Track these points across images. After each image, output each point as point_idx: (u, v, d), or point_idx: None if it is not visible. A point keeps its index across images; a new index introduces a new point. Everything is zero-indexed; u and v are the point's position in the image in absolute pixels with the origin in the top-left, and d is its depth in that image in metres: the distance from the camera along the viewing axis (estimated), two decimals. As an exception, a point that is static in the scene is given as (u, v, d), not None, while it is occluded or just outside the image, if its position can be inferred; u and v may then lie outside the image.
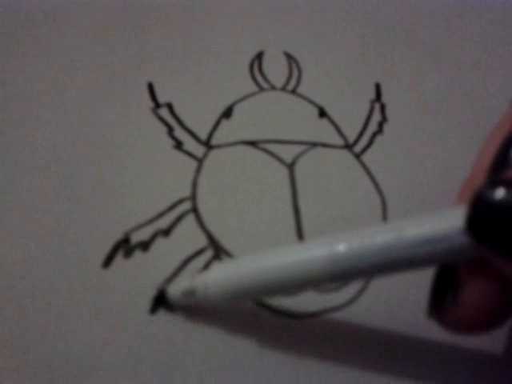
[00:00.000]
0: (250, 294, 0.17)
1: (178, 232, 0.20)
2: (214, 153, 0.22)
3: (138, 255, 0.19)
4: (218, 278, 0.17)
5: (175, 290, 0.18)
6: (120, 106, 0.23)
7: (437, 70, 0.27)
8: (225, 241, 0.20)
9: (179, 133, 0.22)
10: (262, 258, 0.17)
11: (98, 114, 0.22)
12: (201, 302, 0.17)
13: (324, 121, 0.24)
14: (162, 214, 0.20)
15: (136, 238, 0.19)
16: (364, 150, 0.23)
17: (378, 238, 0.14)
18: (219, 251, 0.20)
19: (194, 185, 0.21)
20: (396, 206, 0.22)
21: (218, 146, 0.22)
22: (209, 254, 0.20)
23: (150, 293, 0.18)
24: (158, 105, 0.23)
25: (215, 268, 0.17)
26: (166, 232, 0.20)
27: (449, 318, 0.15)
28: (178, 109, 0.23)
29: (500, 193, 0.12)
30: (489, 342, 0.20)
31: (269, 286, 0.16)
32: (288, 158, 0.22)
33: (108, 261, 0.19)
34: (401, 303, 0.20)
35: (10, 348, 0.17)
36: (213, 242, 0.20)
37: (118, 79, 0.23)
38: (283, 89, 0.25)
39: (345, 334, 0.19)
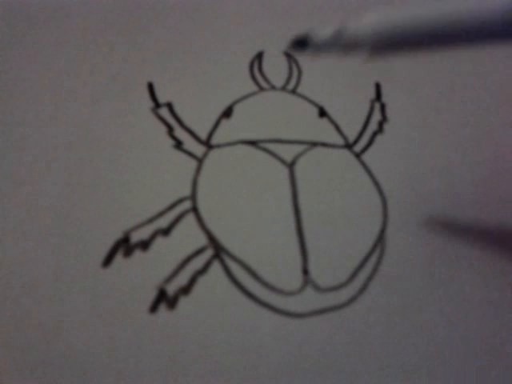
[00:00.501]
0: (412, 34, 0.16)
1: (177, 231, 0.20)
2: (213, 152, 0.22)
3: (137, 255, 0.19)
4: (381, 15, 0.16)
5: (324, 32, 0.17)
6: (120, 106, 0.23)
7: (437, 70, 0.27)
8: (225, 240, 0.20)
9: (179, 133, 0.22)
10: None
11: (98, 114, 0.22)
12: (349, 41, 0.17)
13: (324, 120, 0.24)
14: (161, 214, 0.20)
15: (136, 237, 0.19)
16: (364, 150, 0.23)
17: None
18: (219, 251, 0.20)
19: (194, 184, 0.21)
20: (396, 206, 0.22)
21: (218, 146, 0.22)
22: (209, 253, 0.20)
23: (150, 292, 0.18)
24: (157, 105, 0.23)
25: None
26: (166, 231, 0.20)
27: None
28: (178, 109, 0.23)
29: None
30: (489, 339, 0.20)
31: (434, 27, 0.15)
32: (288, 158, 0.22)
33: (108, 260, 0.19)
34: (401, 303, 0.20)
35: (10, 348, 0.17)
36: (213, 241, 0.20)
37: (118, 79, 0.23)
38: (283, 89, 0.25)
39: (345, 334, 0.19)
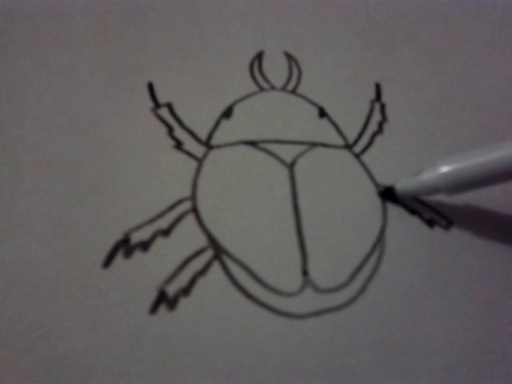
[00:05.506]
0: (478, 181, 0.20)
1: (177, 232, 0.20)
2: (213, 153, 0.22)
3: (138, 255, 0.19)
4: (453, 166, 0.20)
5: (409, 182, 0.22)
6: (120, 106, 0.23)
7: (437, 70, 0.27)
8: (225, 241, 0.20)
9: (179, 133, 0.22)
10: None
11: (98, 114, 0.22)
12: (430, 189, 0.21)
13: (324, 121, 0.24)
14: (162, 214, 0.20)
15: (136, 238, 0.19)
16: (364, 150, 0.23)
17: None
18: (219, 251, 0.20)
19: (194, 185, 0.21)
20: (396, 206, 0.22)
21: (218, 146, 0.22)
22: (209, 254, 0.20)
23: (150, 293, 0.18)
24: (158, 105, 0.23)
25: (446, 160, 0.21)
26: (166, 232, 0.20)
27: None
28: (178, 109, 0.23)
29: None
30: (489, 339, 0.20)
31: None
32: (288, 158, 0.22)
33: (108, 261, 0.19)
34: (400, 303, 0.20)
35: (10, 348, 0.17)
36: (213, 242, 0.20)
37: (118, 79, 0.23)
38: (283, 89, 0.25)
39: (344, 335, 0.19)
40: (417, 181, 0.21)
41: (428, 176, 0.21)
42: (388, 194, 0.22)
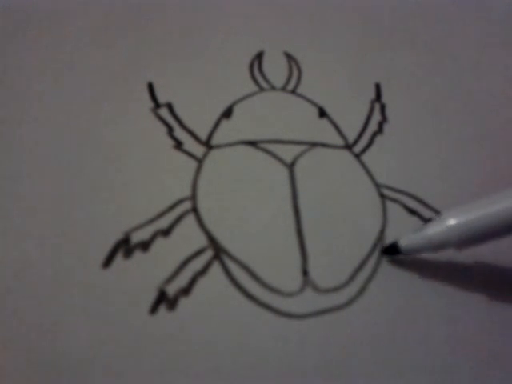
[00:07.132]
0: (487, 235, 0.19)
1: (177, 232, 0.20)
2: (213, 153, 0.22)
3: (138, 255, 0.19)
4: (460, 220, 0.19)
5: (414, 237, 0.20)
6: (120, 106, 0.23)
7: (437, 70, 0.27)
8: (225, 241, 0.20)
9: (179, 133, 0.22)
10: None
11: (98, 114, 0.22)
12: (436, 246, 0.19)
13: (324, 121, 0.24)
14: (162, 214, 0.20)
15: (136, 237, 0.19)
16: (364, 150, 0.23)
17: None
18: (219, 251, 0.20)
19: (194, 185, 0.21)
20: (396, 206, 0.22)
21: (218, 146, 0.22)
22: (209, 254, 0.20)
23: (150, 293, 0.18)
24: (158, 105, 0.23)
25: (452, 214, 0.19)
26: (166, 232, 0.20)
27: None
28: (178, 109, 0.23)
29: None
30: (489, 339, 0.20)
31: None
32: (288, 158, 0.22)
33: (108, 261, 0.19)
34: (400, 303, 0.20)
35: (10, 348, 0.17)
36: (213, 242, 0.20)
37: (118, 79, 0.23)
38: (283, 89, 0.25)
39: (344, 335, 0.19)
40: (422, 236, 0.19)
41: (435, 230, 0.19)
42: (392, 250, 0.20)
